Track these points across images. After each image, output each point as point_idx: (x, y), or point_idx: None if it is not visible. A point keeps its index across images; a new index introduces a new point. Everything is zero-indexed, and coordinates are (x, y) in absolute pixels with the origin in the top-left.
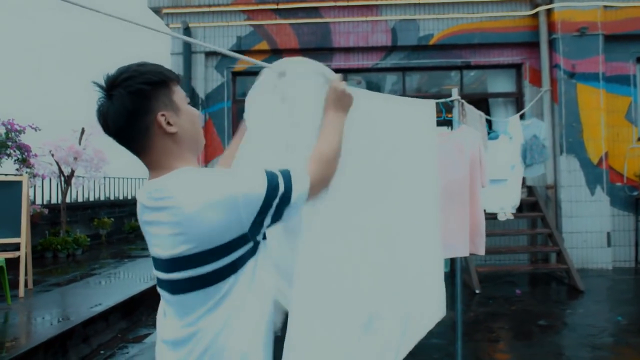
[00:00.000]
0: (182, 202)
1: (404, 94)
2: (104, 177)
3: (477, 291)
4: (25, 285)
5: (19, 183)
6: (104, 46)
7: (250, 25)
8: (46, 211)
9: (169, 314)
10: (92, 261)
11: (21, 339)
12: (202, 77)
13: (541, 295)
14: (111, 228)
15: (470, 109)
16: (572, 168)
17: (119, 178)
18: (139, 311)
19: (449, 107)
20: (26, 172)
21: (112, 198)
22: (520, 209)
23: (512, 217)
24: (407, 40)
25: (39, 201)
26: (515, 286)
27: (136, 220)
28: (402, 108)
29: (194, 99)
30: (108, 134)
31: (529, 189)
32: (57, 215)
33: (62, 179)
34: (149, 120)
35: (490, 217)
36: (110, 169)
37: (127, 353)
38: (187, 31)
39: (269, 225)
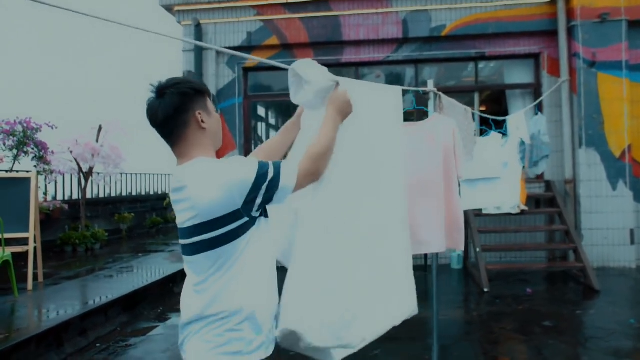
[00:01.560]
0: (192, 193)
1: (417, 86)
2: (122, 174)
3: (486, 290)
4: (36, 278)
5: (28, 180)
6: (116, 43)
7: (260, 20)
8: (66, 207)
9: (190, 273)
10: (108, 255)
11: (17, 330)
12: (214, 74)
13: (553, 294)
14: (133, 223)
15: (451, 102)
16: (592, 162)
17: (141, 174)
18: (141, 305)
19: (423, 99)
20: (43, 169)
21: (134, 194)
22: (537, 204)
23: (526, 208)
24: (419, 31)
25: (60, 197)
26: (528, 285)
27: (157, 215)
28: (368, 92)
29: None
30: (154, 126)
31: (547, 184)
32: (78, 210)
33: (82, 175)
34: (190, 115)
35: (501, 214)
36: (129, 166)
37: (122, 346)
38: (198, 28)
39: (261, 204)
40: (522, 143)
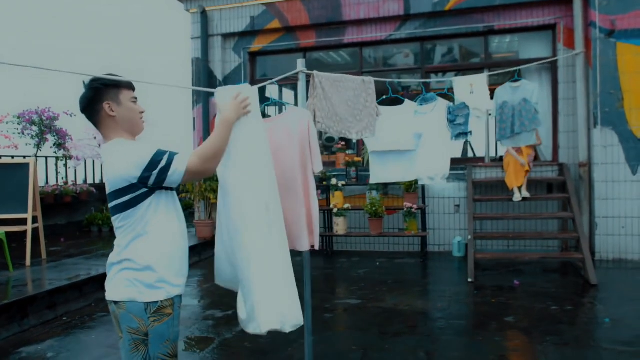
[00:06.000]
0: (106, 167)
1: (422, 65)
2: None
3: (470, 280)
4: (40, 255)
5: (27, 165)
6: (126, 31)
7: (262, 4)
8: (94, 190)
9: (115, 231)
10: None
11: None
12: (220, 60)
13: (541, 288)
14: None
15: (334, 79)
16: (608, 143)
17: None
18: None
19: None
20: (63, 155)
21: None
22: (550, 189)
23: (528, 195)
24: (421, 7)
25: (90, 181)
26: (521, 276)
27: (187, 198)
28: (226, 96)
29: (211, 82)
30: (81, 112)
31: (560, 167)
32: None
33: None
34: (100, 106)
35: (507, 199)
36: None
37: (84, 320)
38: (203, 15)
39: (155, 183)
40: (465, 107)
